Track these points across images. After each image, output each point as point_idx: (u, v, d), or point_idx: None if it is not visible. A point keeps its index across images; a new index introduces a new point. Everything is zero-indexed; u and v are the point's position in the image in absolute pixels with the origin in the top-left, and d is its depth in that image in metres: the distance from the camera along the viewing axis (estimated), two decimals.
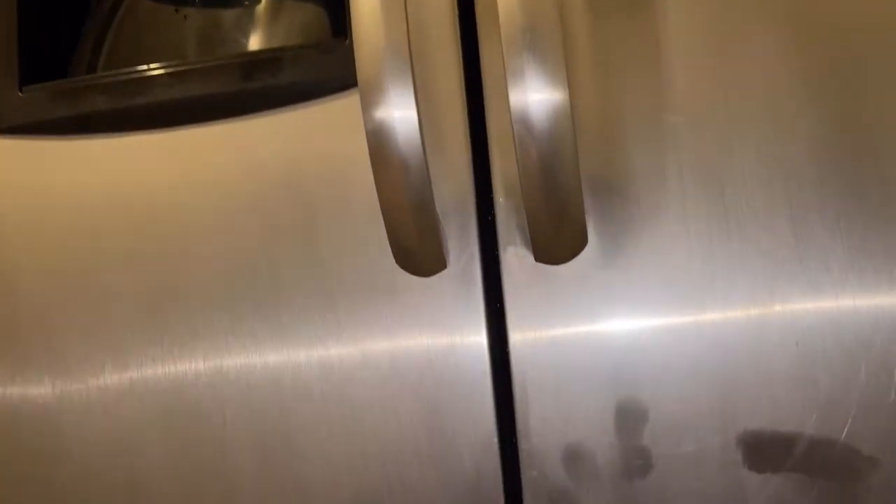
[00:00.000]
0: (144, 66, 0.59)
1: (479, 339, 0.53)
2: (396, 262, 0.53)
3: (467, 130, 0.54)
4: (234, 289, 0.55)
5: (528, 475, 0.52)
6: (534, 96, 0.43)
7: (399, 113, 0.45)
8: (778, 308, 0.51)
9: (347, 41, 0.54)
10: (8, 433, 0.56)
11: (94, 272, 0.57)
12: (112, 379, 0.56)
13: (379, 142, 0.46)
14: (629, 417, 0.51)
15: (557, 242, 0.50)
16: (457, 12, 0.55)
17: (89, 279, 0.57)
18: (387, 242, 0.51)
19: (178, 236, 0.57)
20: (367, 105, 0.45)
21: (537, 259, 0.52)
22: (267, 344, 0.54)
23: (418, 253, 0.51)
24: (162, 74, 0.59)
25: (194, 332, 0.55)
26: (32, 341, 0.57)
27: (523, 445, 0.52)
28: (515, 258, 0.53)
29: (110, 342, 0.56)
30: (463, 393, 0.52)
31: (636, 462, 0.51)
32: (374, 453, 0.53)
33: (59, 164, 0.59)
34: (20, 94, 0.59)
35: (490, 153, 0.54)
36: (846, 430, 0.50)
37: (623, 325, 0.52)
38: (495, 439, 0.52)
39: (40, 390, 0.56)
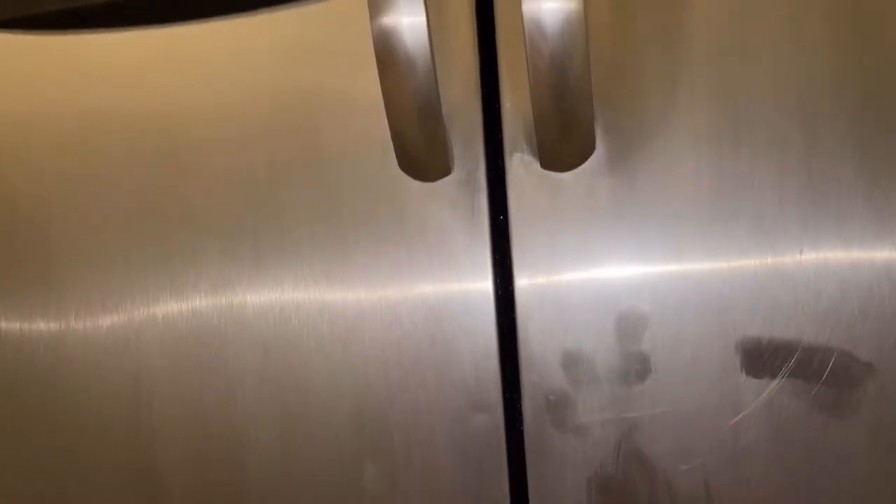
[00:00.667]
0: None
1: (482, 245, 0.53)
2: (400, 167, 0.52)
3: (475, 34, 0.53)
4: (235, 194, 0.55)
5: (527, 379, 0.52)
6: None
7: (408, 19, 0.44)
8: (785, 217, 0.51)
9: None
10: (10, 341, 0.57)
11: (92, 180, 0.56)
12: (112, 284, 0.55)
13: (386, 46, 0.45)
14: (630, 324, 0.52)
15: (565, 148, 0.49)
16: None
17: (88, 190, 0.56)
18: (390, 146, 0.51)
19: (175, 140, 0.56)
20: (375, 10, 0.44)
21: (543, 166, 0.51)
22: (268, 250, 0.54)
23: (423, 158, 0.51)
24: None
25: (196, 239, 0.55)
26: (30, 252, 0.57)
27: (523, 351, 0.52)
28: (521, 165, 0.52)
29: (109, 251, 0.56)
30: (464, 299, 0.53)
31: (635, 367, 0.52)
32: (374, 356, 0.53)
33: (53, 61, 0.57)
34: None
35: (498, 58, 0.53)
36: (845, 337, 0.50)
37: (627, 234, 0.52)
38: (495, 343, 0.53)
39: (40, 301, 0.56)
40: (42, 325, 0.56)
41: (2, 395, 0.56)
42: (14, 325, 0.56)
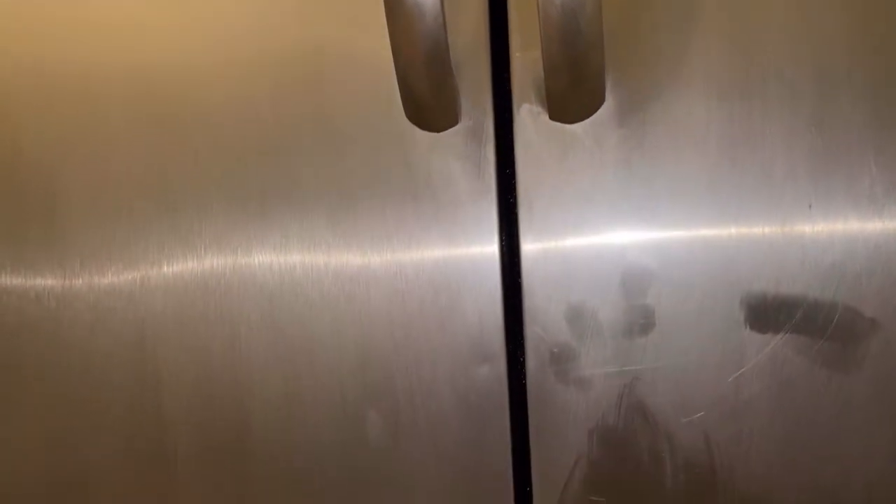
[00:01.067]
0: None
1: (488, 197, 0.52)
2: (407, 116, 0.52)
3: None
4: (241, 145, 0.54)
5: (530, 331, 0.53)
6: None
7: None
8: (794, 172, 0.51)
9: None
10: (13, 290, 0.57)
11: (97, 130, 0.56)
12: (118, 233, 0.55)
13: None
14: (635, 278, 0.51)
15: (574, 98, 0.49)
16: None
17: (93, 139, 0.56)
18: (397, 98, 0.50)
19: (182, 93, 0.55)
20: None
21: (552, 117, 0.51)
22: (274, 201, 0.54)
23: (430, 106, 0.50)
24: None
25: (203, 189, 0.55)
26: (34, 202, 0.56)
27: (527, 303, 0.52)
28: (529, 116, 0.52)
29: (115, 200, 0.55)
30: (469, 251, 0.53)
31: (639, 320, 0.52)
32: (378, 307, 0.53)
33: (58, 11, 0.56)
34: None
35: (507, 5, 0.52)
36: (851, 293, 0.50)
37: (635, 188, 0.51)
38: (499, 295, 0.53)
39: (44, 250, 0.56)
40: (47, 273, 0.56)
41: (7, 344, 0.56)
42: (19, 274, 0.56)
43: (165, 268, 0.55)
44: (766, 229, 0.51)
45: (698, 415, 0.52)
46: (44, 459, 0.56)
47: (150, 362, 0.55)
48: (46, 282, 0.56)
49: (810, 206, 0.50)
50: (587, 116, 0.51)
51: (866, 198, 0.50)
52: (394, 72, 0.48)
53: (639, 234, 0.51)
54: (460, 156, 0.52)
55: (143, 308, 0.55)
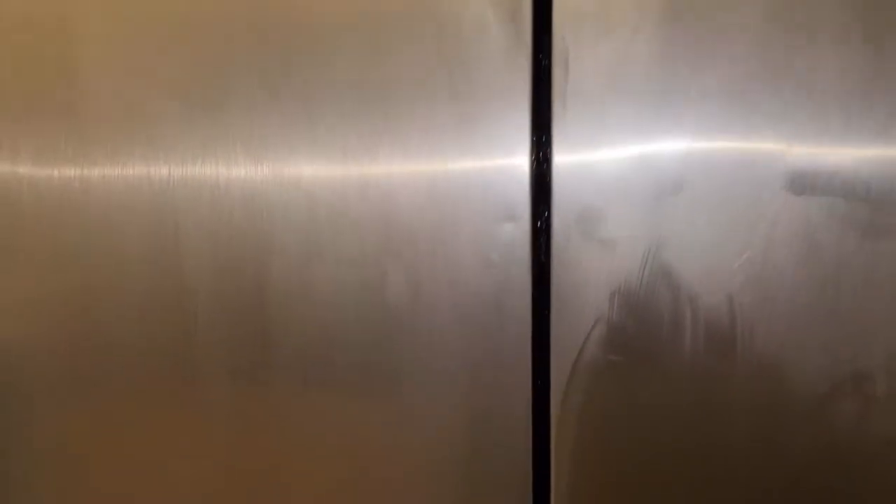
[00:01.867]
0: None
1: (522, 50, 0.51)
2: None
3: None
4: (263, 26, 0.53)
5: (558, 190, 0.52)
6: None
7: None
8: (845, 31, 0.49)
9: None
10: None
11: (119, 34, 0.54)
12: (138, 95, 0.54)
13: None
14: (669, 139, 0.50)
15: None
16: None
17: (112, 47, 0.54)
18: None
19: None
20: None
21: None
22: (298, 55, 0.53)
23: None
24: None
25: (224, 47, 0.53)
26: (52, 68, 0.55)
27: (557, 160, 0.51)
28: None
29: (134, 63, 0.54)
30: (499, 106, 0.51)
31: (668, 184, 0.51)
32: (403, 163, 0.53)
33: None
34: None
35: None
36: (894, 157, 0.49)
37: (676, 46, 0.50)
38: (528, 150, 0.52)
39: (64, 122, 0.55)
40: (65, 128, 0.55)
41: (27, 193, 0.56)
42: (38, 132, 0.55)
43: (189, 124, 0.54)
44: (812, 90, 0.49)
45: (723, 277, 0.52)
46: (64, 315, 0.57)
47: (170, 216, 0.55)
48: (65, 136, 0.55)
49: (860, 67, 0.48)
50: None
51: None
52: None
53: (676, 94, 0.50)
54: (494, 1, 0.50)
55: (163, 162, 0.54)
